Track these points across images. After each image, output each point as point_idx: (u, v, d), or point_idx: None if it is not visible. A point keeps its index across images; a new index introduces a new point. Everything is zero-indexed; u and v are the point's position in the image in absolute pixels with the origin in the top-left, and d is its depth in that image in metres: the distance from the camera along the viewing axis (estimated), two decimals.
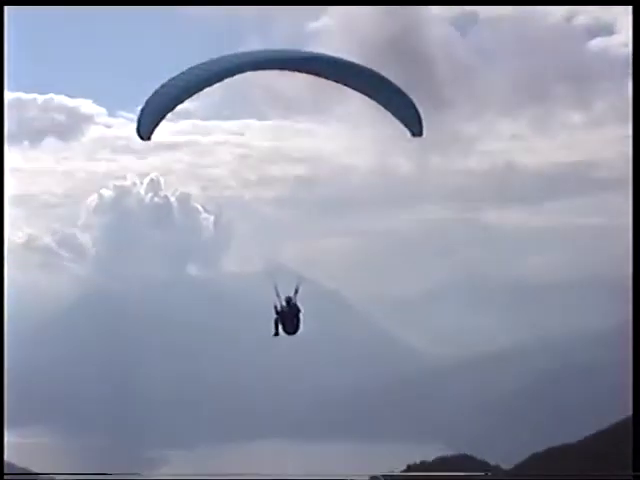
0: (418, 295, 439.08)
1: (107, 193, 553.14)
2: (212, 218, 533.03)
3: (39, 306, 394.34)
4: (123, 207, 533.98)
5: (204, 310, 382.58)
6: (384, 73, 33.15)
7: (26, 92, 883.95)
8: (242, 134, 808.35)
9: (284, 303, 36.17)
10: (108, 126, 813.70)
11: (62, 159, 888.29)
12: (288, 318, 36.19)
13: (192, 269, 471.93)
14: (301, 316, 36.27)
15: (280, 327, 36.52)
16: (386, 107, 33.36)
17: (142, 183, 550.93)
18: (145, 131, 31.30)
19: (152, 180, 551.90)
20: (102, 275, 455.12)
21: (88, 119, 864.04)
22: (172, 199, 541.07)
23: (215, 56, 31.65)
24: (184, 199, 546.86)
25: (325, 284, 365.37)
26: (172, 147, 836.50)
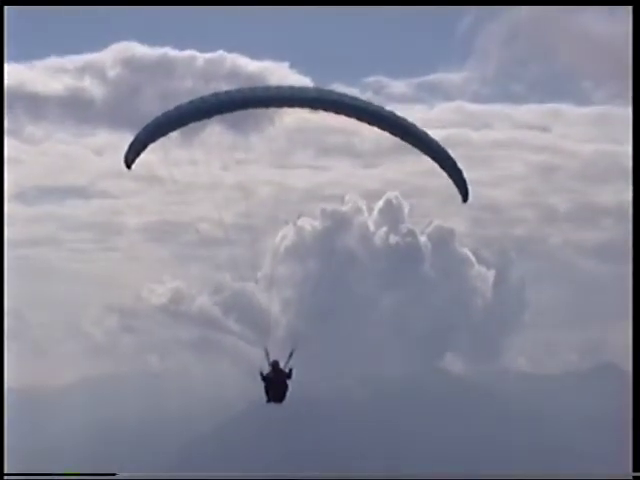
0: None
1: (310, 225, 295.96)
2: (492, 274, 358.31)
3: (194, 413, 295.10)
4: (338, 249, 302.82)
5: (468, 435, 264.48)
6: None
7: (177, 48, 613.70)
8: (545, 129, 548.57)
9: (269, 368, 35.20)
10: None
11: (235, 164, 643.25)
12: (274, 385, 35.23)
13: (453, 363, 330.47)
14: (289, 382, 35.23)
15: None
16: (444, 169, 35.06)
17: (372, 209, 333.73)
18: (129, 159, 34.15)
19: (389, 204, 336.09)
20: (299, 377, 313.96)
21: None
22: (422, 239, 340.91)
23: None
24: (443, 239, 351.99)
25: None
26: None
